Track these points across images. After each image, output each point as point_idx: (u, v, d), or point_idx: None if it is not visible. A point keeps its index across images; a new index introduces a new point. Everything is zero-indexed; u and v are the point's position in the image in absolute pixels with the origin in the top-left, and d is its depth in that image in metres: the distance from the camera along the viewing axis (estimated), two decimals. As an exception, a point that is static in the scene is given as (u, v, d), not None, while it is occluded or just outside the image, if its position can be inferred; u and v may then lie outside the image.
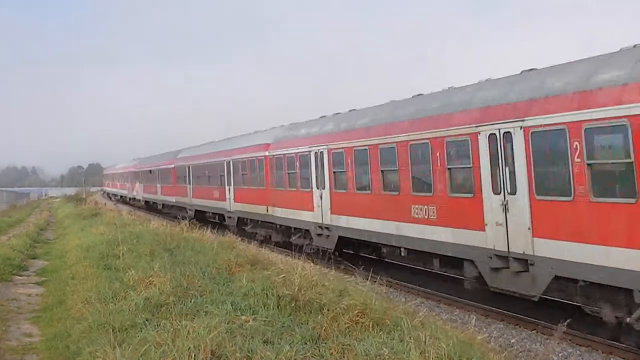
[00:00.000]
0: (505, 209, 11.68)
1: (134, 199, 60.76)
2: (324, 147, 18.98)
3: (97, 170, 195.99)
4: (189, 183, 38.13)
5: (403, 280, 16.18)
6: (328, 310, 9.24)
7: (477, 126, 12.27)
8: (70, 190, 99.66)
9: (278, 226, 23.69)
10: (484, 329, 11.46)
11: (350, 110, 20.04)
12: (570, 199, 10.16)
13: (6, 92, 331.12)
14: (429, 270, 16.23)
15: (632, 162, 9.02)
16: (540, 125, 10.68)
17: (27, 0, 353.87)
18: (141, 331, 8.93)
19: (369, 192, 16.62)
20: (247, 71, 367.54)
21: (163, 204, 47.88)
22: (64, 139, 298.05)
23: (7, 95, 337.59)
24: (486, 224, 12.18)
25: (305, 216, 20.59)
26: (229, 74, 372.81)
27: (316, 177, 19.54)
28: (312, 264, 14.72)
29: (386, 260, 18.57)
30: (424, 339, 7.71)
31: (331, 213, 18.72)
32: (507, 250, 11.62)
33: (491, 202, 12.05)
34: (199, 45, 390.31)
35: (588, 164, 9.80)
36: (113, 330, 9.14)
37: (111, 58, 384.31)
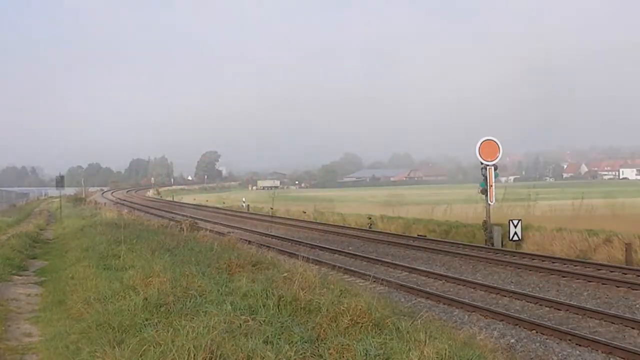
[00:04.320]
0: None
1: None
2: None
3: (97, 170, 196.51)
4: None
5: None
6: (327, 310, 9.24)
7: None
8: (70, 190, 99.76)
9: None
10: (484, 329, 11.46)
11: None
12: None
13: (6, 92, 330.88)
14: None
15: None
16: None
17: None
18: (140, 331, 8.93)
19: None
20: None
21: None
22: (64, 139, 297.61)
23: (7, 95, 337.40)
24: None
25: None
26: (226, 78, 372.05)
27: None
28: (313, 265, 14.88)
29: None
30: (423, 340, 7.71)
31: None
32: None
33: None
34: (196, 47, 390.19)
35: None
36: (112, 330, 9.15)
37: (111, 58, 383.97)
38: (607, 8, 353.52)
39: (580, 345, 10.62)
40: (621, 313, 12.73)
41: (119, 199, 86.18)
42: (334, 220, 39.68)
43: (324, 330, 8.61)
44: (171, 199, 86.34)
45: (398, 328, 8.46)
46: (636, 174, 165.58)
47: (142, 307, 10.32)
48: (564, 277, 17.08)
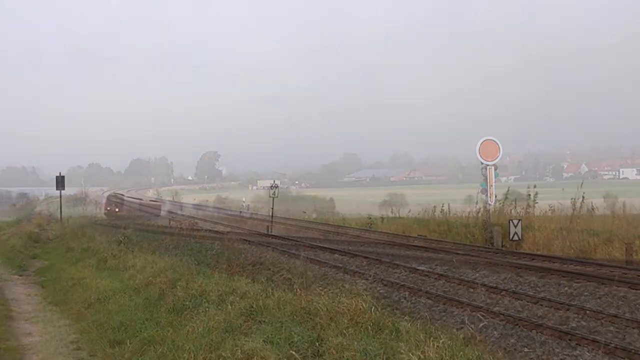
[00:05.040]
0: None
1: None
2: None
3: (97, 171, 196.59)
4: None
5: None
6: (327, 310, 9.24)
7: None
8: (70, 191, 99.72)
9: None
10: (484, 329, 11.46)
11: None
12: None
13: (6, 92, 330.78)
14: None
15: None
16: None
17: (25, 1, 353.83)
18: (140, 331, 8.94)
19: None
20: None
21: None
22: (64, 139, 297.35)
23: (6, 95, 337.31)
24: None
25: None
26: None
27: None
28: (313, 265, 14.90)
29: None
30: (423, 340, 7.71)
31: None
32: None
33: None
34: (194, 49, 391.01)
35: None
36: (112, 330, 9.16)
37: (112, 58, 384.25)
38: (608, 8, 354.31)
39: (580, 345, 10.62)
40: (621, 313, 12.73)
41: (118, 199, 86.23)
42: (334, 220, 39.71)
43: (323, 330, 8.62)
44: (171, 199, 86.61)
45: (398, 328, 8.46)
46: (636, 174, 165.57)
47: (143, 307, 10.35)
48: (564, 276, 17.07)
